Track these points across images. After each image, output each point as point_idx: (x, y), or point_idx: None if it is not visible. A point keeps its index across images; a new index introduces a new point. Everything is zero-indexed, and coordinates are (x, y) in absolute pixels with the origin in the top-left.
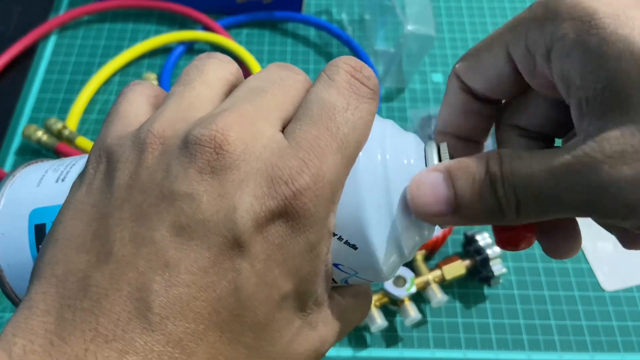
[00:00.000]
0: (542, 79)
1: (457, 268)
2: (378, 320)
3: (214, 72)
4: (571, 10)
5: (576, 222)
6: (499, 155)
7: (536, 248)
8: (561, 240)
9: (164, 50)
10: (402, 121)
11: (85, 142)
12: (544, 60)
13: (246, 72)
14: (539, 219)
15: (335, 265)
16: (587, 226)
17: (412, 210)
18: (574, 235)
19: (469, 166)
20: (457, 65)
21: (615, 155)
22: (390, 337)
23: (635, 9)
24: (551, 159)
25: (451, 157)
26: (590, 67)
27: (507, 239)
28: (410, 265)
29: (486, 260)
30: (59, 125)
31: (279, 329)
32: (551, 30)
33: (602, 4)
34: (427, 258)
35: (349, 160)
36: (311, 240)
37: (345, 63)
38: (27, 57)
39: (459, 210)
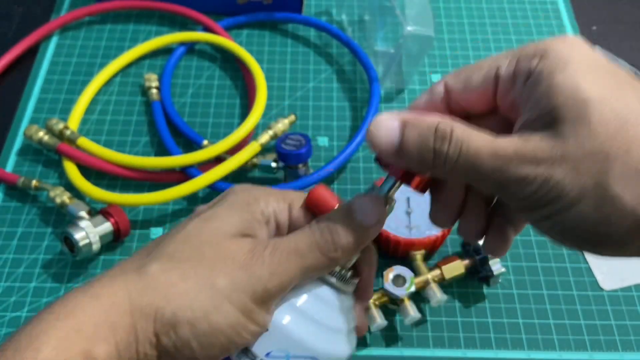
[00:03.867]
0: (510, 100)
1: (456, 267)
2: (378, 320)
3: None
4: (553, 55)
5: (510, 231)
6: (450, 123)
7: (535, 248)
8: (495, 241)
9: (165, 51)
10: None
11: (86, 143)
12: (522, 83)
13: (247, 72)
14: (459, 180)
15: (268, 355)
16: None
17: (367, 141)
18: (505, 239)
19: (421, 123)
20: (447, 77)
21: (540, 159)
22: (390, 337)
23: (593, 72)
24: (496, 143)
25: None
26: (545, 95)
27: (415, 185)
28: (410, 264)
29: (485, 259)
30: (61, 125)
31: None
32: (534, 63)
33: (577, 55)
34: (426, 258)
35: None
36: None
37: None
38: (29, 57)
39: (400, 153)
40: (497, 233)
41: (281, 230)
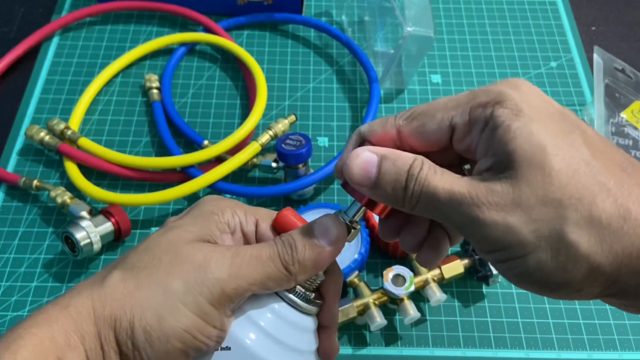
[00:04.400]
0: (466, 144)
1: (455, 267)
2: (377, 319)
3: None
4: (507, 103)
5: (445, 245)
6: (421, 163)
7: None
8: (429, 254)
9: (166, 52)
10: None
11: (87, 143)
12: (478, 131)
13: (247, 73)
14: (425, 217)
15: None
16: None
17: (344, 172)
18: (440, 252)
19: (398, 159)
20: (400, 121)
21: (493, 203)
22: (390, 336)
23: (545, 119)
24: (454, 184)
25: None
26: (501, 141)
27: (379, 211)
28: (409, 264)
29: (484, 259)
30: (62, 125)
31: None
32: (489, 112)
33: (530, 101)
34: None
35: None
36: None
37: None
38: (30, 58)
39: (375, 187)
40: (433, 245)
41: (248, 243)
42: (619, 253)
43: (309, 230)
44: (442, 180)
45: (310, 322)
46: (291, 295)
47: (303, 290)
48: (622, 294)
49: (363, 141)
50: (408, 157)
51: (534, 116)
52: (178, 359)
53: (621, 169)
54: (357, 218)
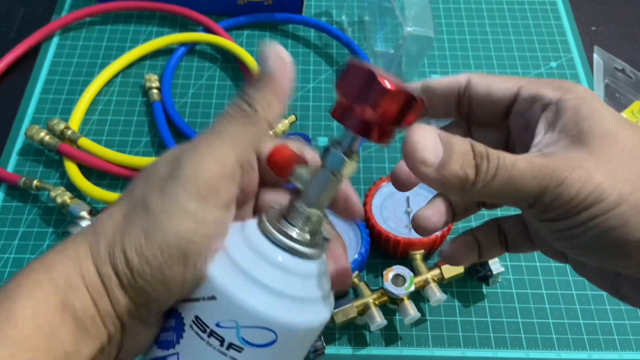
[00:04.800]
0: (523, 120)
1: (455, 267)
2: (377, 319)
3: None
4: (575, 93)
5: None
6: (480, 144)
7: None
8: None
9: (166, 52)
10: None
11: (87, 143)
12: (539, 108)
13: (247, 73)
14: (493, 199)
15: (218, 325)
16: None
17: (406, 148)
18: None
19: (459, 142)
20: (473, 74)
21: (577, 166)
22: (390, 336)
23: (609, 110)
24: (529, 157)
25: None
26: (571, 121)
27: (375, 137)
28: (409, 264)
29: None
30: (62, 125)
31: None
32: (558, 95)
33: (594, 97)
34: (426, 257)
35: None
36: None
37: None
38: (30, 58)
39: (442, 167)
40: (469, 245)
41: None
42: None
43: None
44: (515, 155)
45: (312, 267)
46: (290, 243)
47: (303, 235)
48: None
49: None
50: (462, 138)
51: (600, 106)
52: (182, 273)
53: None
54: (354, 148)
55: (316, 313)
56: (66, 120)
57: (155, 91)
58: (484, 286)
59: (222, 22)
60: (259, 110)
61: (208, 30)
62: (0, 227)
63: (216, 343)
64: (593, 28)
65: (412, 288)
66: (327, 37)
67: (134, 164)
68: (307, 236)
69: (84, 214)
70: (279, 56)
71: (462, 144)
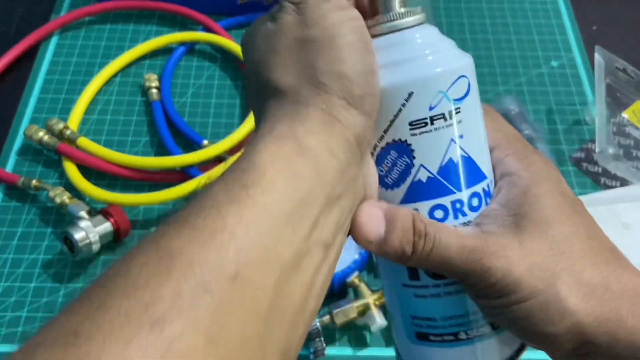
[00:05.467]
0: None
1: None
2: (378, 320)
3: None
4: (535, 170)
5: None
6: (422, 218)
7: None
8: None
9: (165, 51)
10: None
11: (86, 143)
12: (500, 173)
13: None
14: (432, 271)
15: (431, 108)
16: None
17: (353, 228)
18: None
19: (399, 215)
20: None
21: (503, 255)
22: (390, 337)
23: (559, 195)
24: (464, 238)
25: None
26: (517, 199)
27: None
28: None
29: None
30: (60, 125)
31: None
32: (522, 167)
33: (550, 178)
34: None
35: None
36: None
37: None
38: (29, 57)
39: (383, 243)
40: None
41: None
42: (598, 316)
43: None
44: (452, 234)
45: (431, 30)
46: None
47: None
48: (593, 356)
49: None
50: (406, 210)
51: (549, 191)
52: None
53: (610, 251)
54: None
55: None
56: (65, 119)
57: (154, 91)
58: None
59: (221, 21)
60: None
61: (208, 29)
62: None
63: (441, 123)
64: (594, 27)
65: None
66: None
67: (133, 163)
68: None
69: (83, 213)
70: None
71: (405, 220)
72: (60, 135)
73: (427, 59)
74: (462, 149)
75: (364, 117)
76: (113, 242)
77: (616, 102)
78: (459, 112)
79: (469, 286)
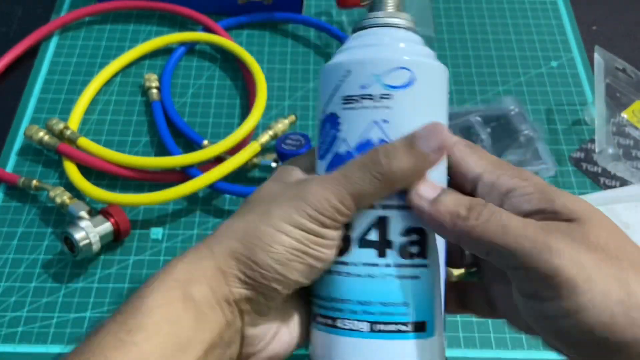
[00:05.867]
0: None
1: (455, 268)
2: None
3: None
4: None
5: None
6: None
7: None
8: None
9: (165, 51)
10: None
11: (86, 143)
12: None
13: (247, 73)
14: (479, 248)
15: (362, 87)
16: None
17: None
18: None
19: (458, 194)
20: (458, 143)
21: (563, 239)
22: None
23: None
24: (525, 220)
25: None
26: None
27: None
28: None
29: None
30: (61, 125)
31: None
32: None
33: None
34: None
35: None
36: None
37: None
38: (29, 57)
39: (436, 201)
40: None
41: None
42: None
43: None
44: (512, 216)
45: (412, 35)
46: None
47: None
48: None
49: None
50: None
51: (568, 196)
52: (300, 271)
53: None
54: None
55: (438, 62)
56: (65, 120)
57: (154, 91)
58: None
59: (222, 21)
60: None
61: (208, 29)
62: None
63: (369, 103)
64: (594, 27)
65: None
66: (327, 37)
67: (133, 163)
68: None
69: (83, 213)
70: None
71: (460, 196)
72: (60, 136)
73: (377, 48)
74: (383, 132)
75: (251, 292)
76: (113, 242)
77: (616, 102)
78: (388, 97)
79: (521, 277)
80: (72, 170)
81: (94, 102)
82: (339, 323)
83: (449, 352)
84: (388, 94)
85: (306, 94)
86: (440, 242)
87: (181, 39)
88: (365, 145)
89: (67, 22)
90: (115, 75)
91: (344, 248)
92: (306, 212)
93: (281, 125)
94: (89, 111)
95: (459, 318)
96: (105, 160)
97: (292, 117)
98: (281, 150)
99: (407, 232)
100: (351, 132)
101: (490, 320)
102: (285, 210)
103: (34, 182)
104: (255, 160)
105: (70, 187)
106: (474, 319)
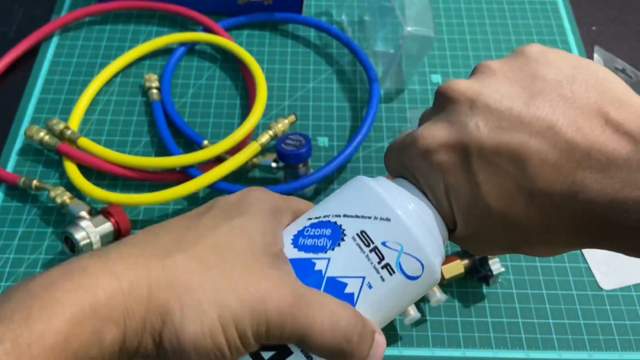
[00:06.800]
0: None
1: (455, 267)
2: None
3: None
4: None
5: None
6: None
7: None
8: None
9: (165, 51)
10: (402, 121)
11: (87, 143)
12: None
13: (247, 73)
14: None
15: (384, 244)
16: None
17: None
18: None
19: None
20: None
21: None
22: (390, 336)
23: None
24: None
25: None
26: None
27: None
28: None
29: (485, 259)
30: (61, 125)
31: None
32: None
33: None
34: None
35: None
36: None
37: None
38: (30, 58)
39: None
40: None
41: None
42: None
43: None
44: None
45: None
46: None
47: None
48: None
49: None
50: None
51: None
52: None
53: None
54: None
55: (440, 259)
56: (66, 120)
57: (154, 91)
58: (484, 286)
59: (222, 21)
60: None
61: (208, 30)
62: None
63: (375, 259)
64: (593, 28)
65: None
66: (327, 37)
67: (134, 164)
68: None
69: (84, 213)
70: None
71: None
72: (60, 136)
73: (424, 228)
74: (360, 291)
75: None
76: (114, 242)
77: None
78: (390, 274)
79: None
80: (72, 171)
81: (94, 102)
82: None
83: (449, 352)
84: (393, 271)
85: (306, 94)
86: None
87: (181, 39)
88: (338, 286)
89: (67, 22)
90: (116, 75)
91: None
92: (257, 326)
93: (281, 125)
94: (89, 111)
95: (458, 318)
96: (105, 160)
97: (292, 117)
98: (281, 150)
99: None
100: (339, 261)
101: (490, 320)
102: (240, 310)
103: (35, 182)
104: (255, 160)
105: (70, 187)
106: (474, 318)
